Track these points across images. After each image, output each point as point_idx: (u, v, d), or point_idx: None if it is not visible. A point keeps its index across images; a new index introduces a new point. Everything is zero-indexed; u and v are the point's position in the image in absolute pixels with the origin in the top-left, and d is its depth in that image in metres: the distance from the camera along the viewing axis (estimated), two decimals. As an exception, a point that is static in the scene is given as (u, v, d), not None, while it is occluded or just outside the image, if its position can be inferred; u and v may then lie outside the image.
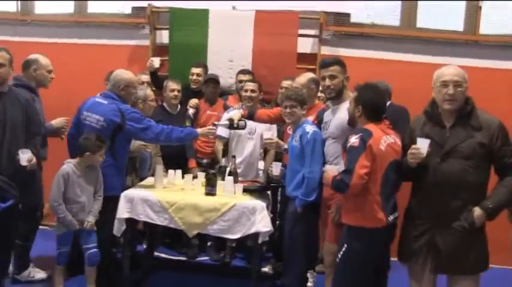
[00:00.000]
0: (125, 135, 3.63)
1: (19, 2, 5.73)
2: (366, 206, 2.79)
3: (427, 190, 2.77)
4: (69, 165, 3.49)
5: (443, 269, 2.77)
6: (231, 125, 3.79)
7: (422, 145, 2.71)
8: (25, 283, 3.90)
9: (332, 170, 3.00)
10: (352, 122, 3.06)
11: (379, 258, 2.96)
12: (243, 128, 3.88)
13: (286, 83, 4.35)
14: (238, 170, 4.09)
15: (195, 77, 4.82)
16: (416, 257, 2.79)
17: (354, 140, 2.78)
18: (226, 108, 4.58)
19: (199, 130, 3.90)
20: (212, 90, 4.63)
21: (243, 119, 3.83)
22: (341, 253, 2.88)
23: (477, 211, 2.66)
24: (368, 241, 2.82)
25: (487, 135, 2.68)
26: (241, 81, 4.60)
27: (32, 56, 3.96)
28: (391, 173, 2.83)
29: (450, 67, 2.79)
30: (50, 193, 3.44)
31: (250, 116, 3.90)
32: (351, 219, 2.87)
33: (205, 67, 4.91)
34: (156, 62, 4.77)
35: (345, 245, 2.87)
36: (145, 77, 4.80)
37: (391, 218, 2.84)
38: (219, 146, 4.45)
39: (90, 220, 3.52)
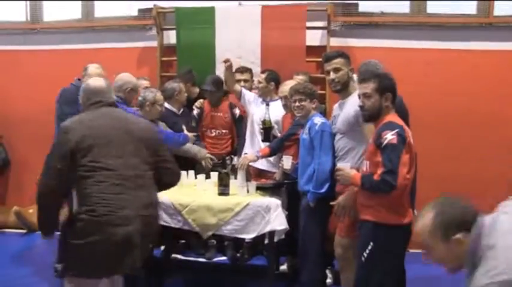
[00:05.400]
0: None
1: (28, 10, 5.77)
2: (398, 202, 2.65)
3: None
4: None
5: None
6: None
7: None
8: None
9: (347, 167, 2.90)
10: (371, 118, 2.81)
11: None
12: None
13: (298, 78, 4.32)
14: None
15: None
16: None
17: (390, 136, 2.56)
18: (232, 107, 4.58)
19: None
20: (212, 99, 4.56)
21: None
22: (367, 251, 2.71)
23: None
24: (400, 237, 2.68)
25: None
26: (238, 81, 4.60)
27: (87, 65, 4.13)
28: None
29: None
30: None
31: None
32: (379, 216, 2.68)
33: (190, 73, 4.76)
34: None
35: (371, 244, 2.70)
36: (145, 82, 4.73)
37: (415, 212, 2.74)
38: None
39: None
